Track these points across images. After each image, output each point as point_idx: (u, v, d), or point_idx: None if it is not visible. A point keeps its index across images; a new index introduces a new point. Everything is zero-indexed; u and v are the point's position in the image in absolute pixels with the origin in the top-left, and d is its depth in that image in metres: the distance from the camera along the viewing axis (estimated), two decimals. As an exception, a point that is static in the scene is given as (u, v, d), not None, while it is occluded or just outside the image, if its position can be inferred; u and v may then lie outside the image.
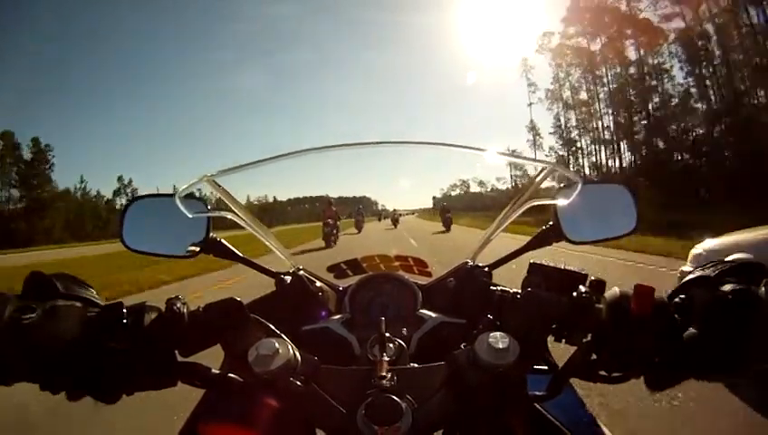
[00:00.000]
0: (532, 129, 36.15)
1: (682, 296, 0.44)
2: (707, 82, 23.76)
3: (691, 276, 0.45)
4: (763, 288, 0.40)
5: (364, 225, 22.75)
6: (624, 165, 29.16)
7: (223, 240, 0.78)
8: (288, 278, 0.77)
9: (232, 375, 0.45)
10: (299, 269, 0.80)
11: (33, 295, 0.40)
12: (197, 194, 0.72)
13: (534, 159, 0.65)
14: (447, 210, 21.15)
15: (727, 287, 0.41)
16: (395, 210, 32.56)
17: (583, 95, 31.07)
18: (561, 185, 0.73)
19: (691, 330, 0.41)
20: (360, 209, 23.61)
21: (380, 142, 0.59)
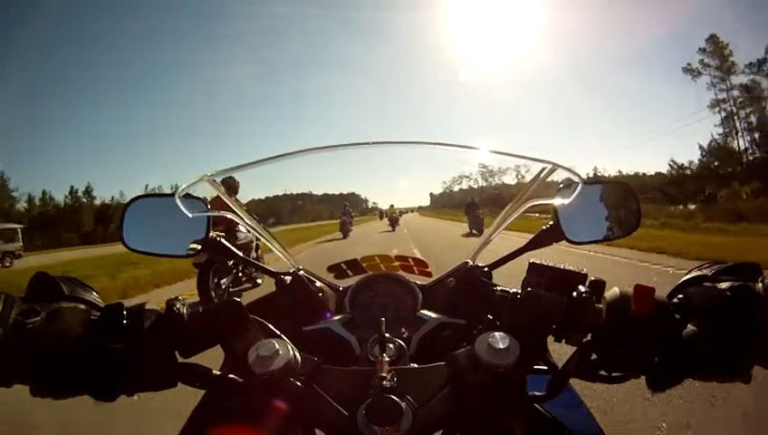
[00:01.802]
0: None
1: (681, 296, 0.44)
2: None
3: (689, 276, 0.45)
4: (761, 285, 0.41)
5: (353, 227, 17.89)
6: None
7: (223, 240, 0.78)
8: (288, 278, 0.77)
9: (232, 376, 0.45)
10: (299, 269, 0.80)
11: (38, 297, 0.41)
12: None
13: (533, 158, 0.64)
14: (477, 206, 15.48)
15: (725, 285, 0.41)
16: (392, 207, 26.95)
17: None
18: (562, 185, 0.72)
19: (690, 329, 0.41)
20: (347, 208, 17.98)
21: (376, 142, 0.59)
